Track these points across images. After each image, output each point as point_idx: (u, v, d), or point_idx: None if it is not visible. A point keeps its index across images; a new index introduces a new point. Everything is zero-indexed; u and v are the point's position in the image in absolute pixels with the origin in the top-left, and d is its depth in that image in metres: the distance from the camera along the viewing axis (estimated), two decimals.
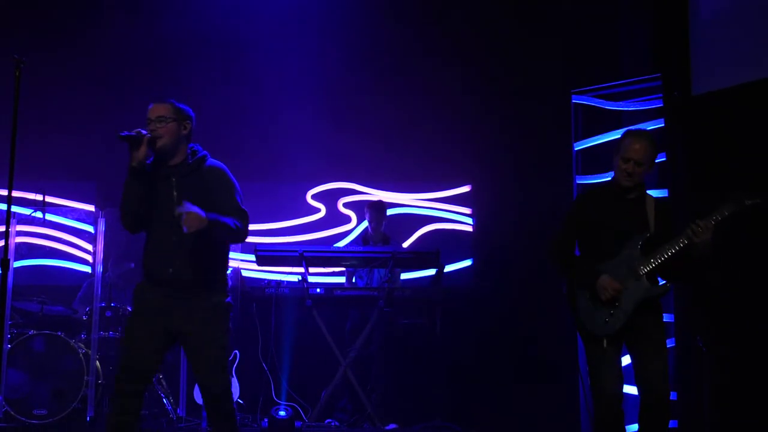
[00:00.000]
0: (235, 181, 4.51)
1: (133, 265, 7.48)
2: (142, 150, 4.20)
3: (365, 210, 7.61)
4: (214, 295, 4.37)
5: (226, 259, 4.55)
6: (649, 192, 4.66)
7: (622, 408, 4.44)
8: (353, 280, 7.47)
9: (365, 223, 7.69)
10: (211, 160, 4.50)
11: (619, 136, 4.69)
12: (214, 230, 4.13)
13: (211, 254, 4.35)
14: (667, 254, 4.32)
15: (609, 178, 4.77)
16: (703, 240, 4.21)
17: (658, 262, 4.34)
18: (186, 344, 4.33)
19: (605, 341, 4.36)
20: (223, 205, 4.32)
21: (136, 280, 7.37)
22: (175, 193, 4.24)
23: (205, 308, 4.28)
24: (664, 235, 4.38)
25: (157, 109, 4.32)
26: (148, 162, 4.27)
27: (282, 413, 6.33)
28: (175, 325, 4.24)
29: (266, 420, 6.45)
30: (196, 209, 4.01)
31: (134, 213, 4.27)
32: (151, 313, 4.26)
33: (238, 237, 4.41)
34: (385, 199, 8.16)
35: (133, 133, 4.16)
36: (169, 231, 4.17)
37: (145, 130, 4.22)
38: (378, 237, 7.49)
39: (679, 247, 4.29)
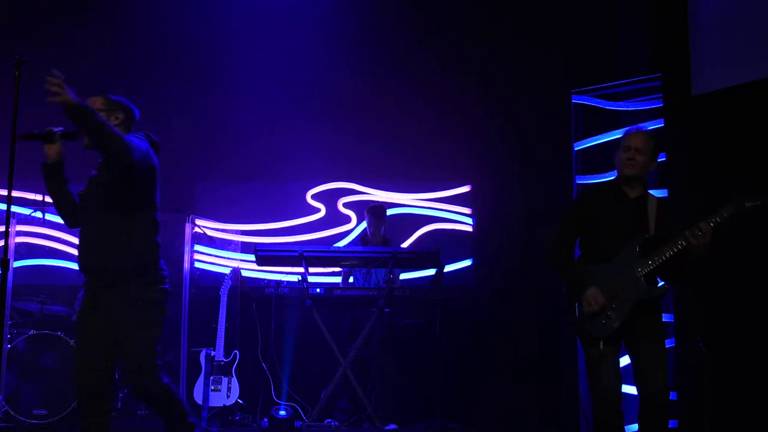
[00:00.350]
0: (142, 145, 4.46)
1: None
2: (54, 147, 4.22)
3: (365, 214, 7.62)
4: (138, 286, 4.29)
5: (150, 247, 4.46)
6: (650, 192, 4.66)
7: (621, 408, 4.44)
8: (349, 281, 7.47)
9: (365, 224, 7.68)
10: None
11: (619, 135, 4.71)
12: (78, 115, 3.97)
13: (133, 243, 4.30)
14: (666, 256, 4.32)
15: (609, 178, 4.77)
16: (702, 242, 4.21)
17: (656, 263, 4.34)
18: (116, 336, 4.25)
19: (602, 343, 4.36)
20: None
21: None
22: (94, 184, 4.26)
23: (128, 300, 4.23)
24: (665, 236, 4.38)
25: (89, 102, 4.29)
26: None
27: (282, 413, 6.33)
28: (102, 317, 4.20)
29: (266, 420, 6.45)
30: (68, 90, 3.88)
31: (65, 211, 4.28)
32: (87, 307, 4.25)
33: (109, 140, 4.11)
34: (384, 199, 8.17)
35: (36, 131, 4.14)
36: (89, 222, 4.19)
37: (59, 128, 4.20)
38: (377, 240, 7.48)
39: (677, 249, 4.29)
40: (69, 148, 4.37)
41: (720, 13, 6.26)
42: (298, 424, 6.56)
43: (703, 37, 6.27)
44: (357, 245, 7.66)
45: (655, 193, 4.89)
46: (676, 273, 4.48)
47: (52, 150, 4.23)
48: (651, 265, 4.35)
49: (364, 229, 7.71)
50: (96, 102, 4.37)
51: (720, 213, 4.23)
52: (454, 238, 8.15)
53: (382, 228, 7.50)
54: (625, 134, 4.57)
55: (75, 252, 8.00)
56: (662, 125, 6.52)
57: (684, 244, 4.26)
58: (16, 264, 7.32)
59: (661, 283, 4.51)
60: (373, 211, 7.55)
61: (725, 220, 4.23)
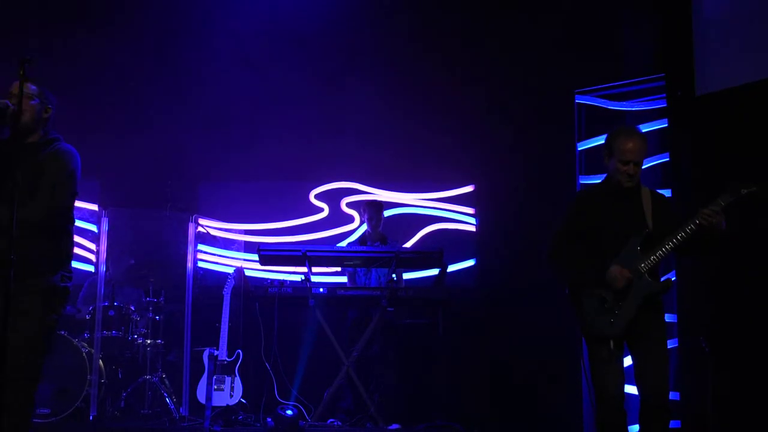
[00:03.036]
0: (75, 165, 4.30)
1: (133, 261, 7.49)
2: (4, 121, 4.13)
3: (363, 209, 7.60)
4: (40, 279, 4.12)
5: (59, 241, 4.27)
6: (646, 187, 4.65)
7: (625, 408, 4.44)
8: (354, 281, 7.47)
9: (365, 226, 7.67)
10: (63, 144, 4.36)
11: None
12: None
13: (42, 235, 4.14)
14: (667, 250, 4.32)
15: (600, 181, 4.75)
16: (716, 222, 4.21)
17: (659, 258, 4.34)
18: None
19: (612, 343, 4.35)
20: (44, 179, 4.15)
21: (136, 276, 7.48)
22: (17, 172, 3.97)
23: (28, 293, 4.02)
24: (664, 228, 4.37)
25: (24, 87, 4.10)
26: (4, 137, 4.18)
27: (289, 412, 6.33)
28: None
29: (270, 419, 6.45)
30: None
31: None
32: None
33: None
34: (387, 199, 8.18)
35: (2, 104, 4.07)
36: (3, 209, 3.93)
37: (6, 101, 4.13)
38: (376, 236, 7.49)
39: (678, 241, 4.29)
40: None
41: (724, 14, 6.26)
42: (300, 423, 6.56)
43: (706, 37, 6.27)
44: (356, 245, 7.63)
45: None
46: (699, 250, 4.46)
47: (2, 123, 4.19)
48: (654, 260, 4.35)
49: (364, 232, 7.70)
50: (29, 89, 4.27)
51: (717, 201, 4.23)
52: (457, 238, 8.16)
53: (380, 225, 7.50)
54: (615, 138, 4.47)
55: (78, 251, 8.10)
56: (665, 125, 6.52)
57: (684, 235, 4.26)
58: None
59: (664, 278, 4.51)
60: (371, 206, 7.55)
61: (723, 208, 4.23)
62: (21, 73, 3.99)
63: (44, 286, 4.14)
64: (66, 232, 4.32)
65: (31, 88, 4.29)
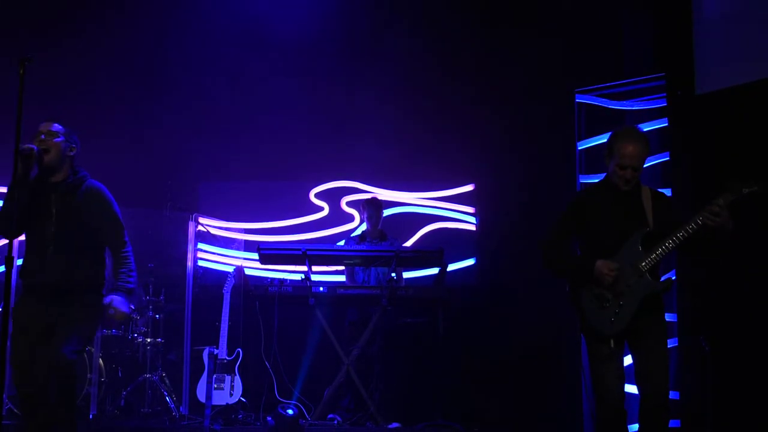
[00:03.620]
0: (113, 200, 4.82)
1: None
2: (32, 163, 4.50)
3: (362, 208, 7.60)
4: (87, 298, 4.66)
5: (100, 265, 4.81)
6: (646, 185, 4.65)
7: (624, 407, 4.44)
8: (353, 278, 7.47)
9: (364, 226, 7.67)
10: (91, 181, 4.78)
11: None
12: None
13: (85, 262, 4.68)
14: (668, 249, 4.32)
15: (600, 180, 4.75)
16: (723, 222, 4.20)
17: (659, 257, 4.34)
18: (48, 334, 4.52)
19: (613, 341, 4.35)
20: (102, 226, 4.75)
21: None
22: (53, 210, 4.60)
23: (77, 309, 4.58)
24: (664, 226, 4.37)
25: (48, 125, 4.64)
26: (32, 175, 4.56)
27: (290, 411, 6.33)
28: (50, 321, 4.50)
29: (270, 417, 6.45)
30: (122, 308, 4.64)
31: (16, 223, 4.47)
32: (29, 322, 4.52)
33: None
34: (388, 198, 8.18)
35: (27, 151, 4.43)
36: (46, 243, 4.56)
37: (33, 144, 4.53)
38: (375, 234, 7.49)
39: (680, 240, 4.28)
40: None
41: (724, 13, 6.26)
42: (301, 422, 6.56)
43: (707, 36, 6.27)
44: (355, 243, 7.63)
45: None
46: (705, 249, 4.46)
47: (31, 165, 4.53)
48: (654, 259, 4.34)
49: (363, 231, 7.70)
50: (54, 127, 4.68)
51: (718, 200, 4.23)
52: (458, 237, 8.16)
53: (380, 222, 7.50)
54: (616, 141, 4.46)
55: None
56: (665, 124, 6.52)
57: (685, 234, 4.26)
58: (20, 262, 7.31)
59: (664, 278, 4.51)
60: (370, 203, 7.55)
61: (726, 207, 4.22)
62: (21, 72, 4.00)
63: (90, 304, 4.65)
64: (102, 262, 4.85)
65: (56, 127, 4.68)
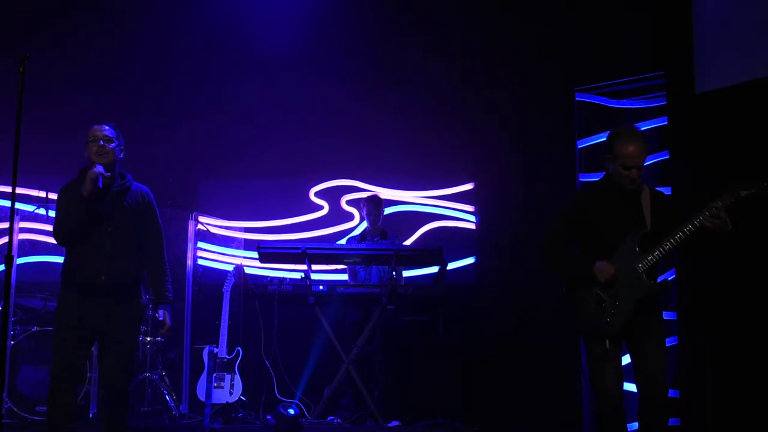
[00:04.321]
0: (157, 206, 5.06)
1: None
2: (98, 186, 4.65)
3: (362, 205, 7.60)
4: (137, 300, 4.90)
5: (142, 266, 5.01)
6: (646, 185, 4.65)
7: (623, 406, 4.44)
8: (355, 276, 7.47)
9: (365, 224, 7.66)
10: (136, 183, 4.97)
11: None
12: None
13: (136, 263, 4.88)
14: (665, 250, 4.32)
15: (600, 178, 4.75)
16: (721, 224, 4.20)
17: (656, 258, 4.34)
18: (103, 343, 4.75)
19: (608, 341, 4.36)
20: (150, 230, 4.96)
21: None
22: (109, 211, 4.74)
23: (129, 311, 4.80)
24: (663, 227, 4.37)
25: (103, 130, 4.80)
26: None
27: (291, 411, 6.33)
28: (100, 327, 4.68)
29: (270, 416, 6.44)
30: (169, 321, 5.02)
31: (73, 235, 4.70)
32: (79, 319, 4.66)
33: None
34: (387, 197, 8.16)
35: (98, 181, 4.63)
36: (103, 243, 4.69)
37: (95, 159, 4.73)
38: (376, 232, 7.49)
39: (677, 242, 4.28)
40: None
41: (724, 11, 6.25)
42: (301, 421, 6.56)
43: (707, 34, 6.26)
44: (356, 242, 7.63)
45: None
46: (700, 249, 4.46)
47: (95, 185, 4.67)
48: (651, 260, 4.35)
49: (365, 228, 7.70)
50: (110, 131, 4.84)
51: (717, 202, 4.23)
52: (457, 236, 8.15)
53: (380, 220, 7.50)
54: (617, 141, 4.46)
55: None
56: (665, 123, 6.52)
57: (683, 236, 4.26)
58: (20, 261, 7.33)
59: (661, 279, 4.51)
60: (370, 201, 7.55)
61: (725, 209, 4.22)
62: (21, 70, 4.00)
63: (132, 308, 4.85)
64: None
65: (110, 132, 4.85)
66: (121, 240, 4.74)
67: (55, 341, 4.71)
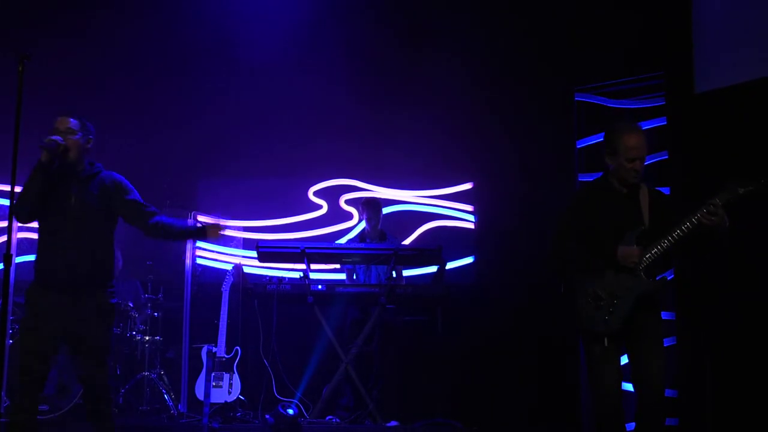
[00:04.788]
0: (130, 185, 4.93)
1: (120, 264, 7.52)
2: (56, 156, 4.59)
3: (361, 208, 7.60)
4: (102, 293, 4.72)
5: (112, 258, 4.89)
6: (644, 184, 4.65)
7: (622, 406, 4.44)
8: (353, 277, 7.47)
9: (363, 223, 7.66)
10: (106, 171, 4.88)
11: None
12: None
13: (100, 252, 4.75)
14: (663, 247, 4.32)
15: (598, 177, 4.75)
16: (718, 222, 4.20)
17: (654, 256, 4.34)
18: (72, 342, 4.66)
19: (606, 340, 4.36)
20: (128, 208, 4.86)
21: (127, 275, 7.49)
22: (73, 199, 4.67)
23: (94, 305, 4.66)
24: (661, 225, 4.37)
25: (66, 122, 4.70)
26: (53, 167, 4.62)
27: (290, 411, 6.33)
28: (64, 326, 4.57)
29: (269, 416, 6.44)
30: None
31: (31, 206, 4.60)
32: (40, 320, 4.58)
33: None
34: (386, 196, 8.17)
35: (53, 144, 4.54)
36: (63, 232, 4.61)
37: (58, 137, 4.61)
38: (375, 234, 7.48)
39: (675, 240, 4.28)
40: None
41: (723, 12, 6.26)
42: (299, 420, 6.56)
43: (706, 35, 6.27)
44: (356, 243, 7.63)
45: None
46: (699, 249, 4.46)
47: (52, 156, 4.61)
48: (649, 258, 4.35)
49: (363, 229, 7.70)
50: (71, 123, 4.73)
51: (715, 200, 4.23)
52: (456, 235, 8.15)
53: (380, 222, 7.50)
54: (617, 136, 4.46)
55: None
56: (664, 123, 6.52)
57: (680, 234, 4.26)
58: (18, 259, 7.32)
59: (659, 277, 4.51)
60: (369, 204, 7.55)
61: (722, 207, 4.22)
62: (20, 69, 4.00)
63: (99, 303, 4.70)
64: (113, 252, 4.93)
65: (73, 123, 4.75)
66: (82, 229, 4.64)
67: (18, 344, 4.70)
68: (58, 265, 4.58)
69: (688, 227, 4.27)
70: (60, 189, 4.66)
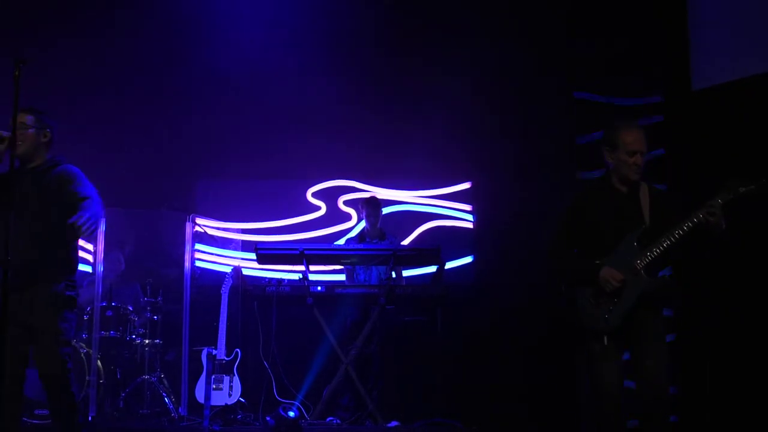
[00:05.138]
0: (83, 176, 4.79)
1: (123, 266, 7.52)
2: (3, 148, 4.47)
3: (360, 207, 7.60)
4: (49, 285, 4.62)
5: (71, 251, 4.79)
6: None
7: (623, 404, 4.44)
8: (354, 277, 7.47)
9: (363, 223, 7.66)
10: (66, 165, 4.79)
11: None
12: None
13: (58, 247, 4.66)
14: (663, 246, 4.32)
15: (599, 176, 4.75)
16: (716, 222, 4.21)
17: (654, 254, 4.34)
18: (31, 335, 4.57)
19: (606, 338, 4.36)
20: (70, 195, 4.65)
21: (127, 278, 7.50)
22: (28, 193, 4.60)
23: (44, 297, 4.57)
24: (662, 224, 4.37)
25: (20, 117, 4.53)
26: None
27: (291, 414, 6.33)
28: (21, 315, 4.48)
29: (270, 417, 6.44)
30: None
31: None
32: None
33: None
34: (385, 196, 8.17)
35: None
36: (18, 225, 4.37)
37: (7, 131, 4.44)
38: (375, 233, 7.48)
39: (675, 238, 4.28)
40: None
41: (720, 9, 6.27)
42: (300, 422, 6.55)
43: (703, 32, 6.28)
44: (355, 243, 7.63)
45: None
46: (692, 249, 4.47)
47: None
48: (649, 256, 4.34)
49: (363, 228, 7.70)
50: (24, 118, 4.67)
51: (716, 200, 4.23)
52: (455, 235, 8.15)
53: (379, 221, 7.50)
54: (617, 132, 4.48)
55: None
56: (662, 120, 6.52)
57: (681, 234, 4.26)
58: None
59: (660, 274, 4.51)
60: (369, 203, 7.55)
61: (720, 206, 4.22)
62: (16, 74, 4.00)
63: (50, 293, 4.59)
64: (74, 245, 4.80)
65: (26, 118, 4.70)
66: (35, 222, 4.57)
67: None
68: (11, 259, 4.40)
69: (689, 226, 4.27)
70: (17, 184, 4.54)
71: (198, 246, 7.69)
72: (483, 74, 7.95)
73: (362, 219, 7.60)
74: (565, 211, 4.68)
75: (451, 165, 8.20)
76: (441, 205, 8.31)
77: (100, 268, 6.89)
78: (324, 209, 8.38)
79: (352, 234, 8.10)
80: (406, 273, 7.72)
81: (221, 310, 6.99)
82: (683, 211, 4.32)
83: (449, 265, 7.49)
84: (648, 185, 4.56)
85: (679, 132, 6.35)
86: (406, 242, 8.07)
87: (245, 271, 7.67)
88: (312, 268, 7.09)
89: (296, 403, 6.69)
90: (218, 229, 8.12)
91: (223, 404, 6.75)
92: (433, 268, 7.35)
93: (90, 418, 6.52)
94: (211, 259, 8.05)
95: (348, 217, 8.34)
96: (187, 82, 8.10)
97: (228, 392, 6.78)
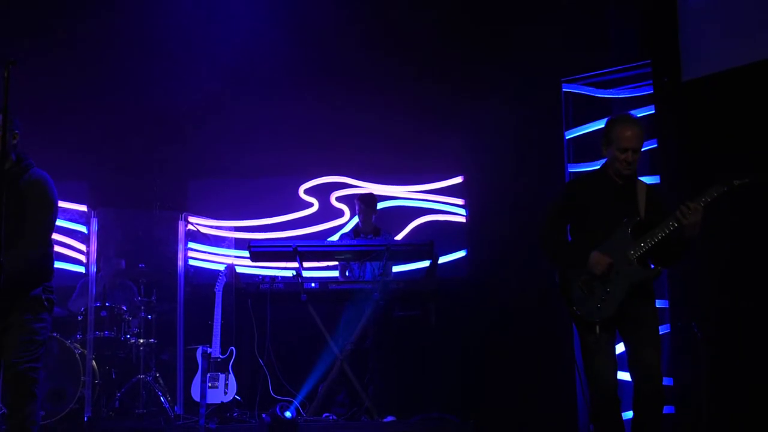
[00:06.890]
0: (53, 195, 4.60)
1: (123, 264, 7.49)
2: None
3: (355, 203, 7.60)
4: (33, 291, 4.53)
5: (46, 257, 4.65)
6: (641, 179, 4.67)
7: (618, 395, 4.46)
8: (346, 274, 7.47)
9: (357, 219, 7.67)
10: (36, 170, 4.61)
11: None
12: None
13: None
14: (658, 238, 4.33)
15: (597, 167, 4.77)
16: (692, 221, 4.22)
17: (648, 245, 4.35)
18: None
19: (598, 327, 4.37)
20: (27, 218, 4.47)
21: (121, 278, 7.48)
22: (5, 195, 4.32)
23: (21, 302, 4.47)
24: (655, 219, 4.39)
25: None
26: None
27: (288, 414, 6.34)
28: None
29: (266, 415, 6.44)
30: None
31: None
32: None
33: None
34: (377, 192, 8.16)
35: None
36: None
37: None
38: (369, 229, 7.48)
39: (669, 230, 4.30)
40: None
41: None
42: (296, 419, 6.56)
43: (692, 22, 6.27)
44: (349, 239, 7.64)
45: (647, 180, 4.89)
46: (668, 255, 4.48)
47: None
48: (643, 247, 4.36)
49: (356, 224, 7.70)
50: None
51: (709, 192, 4.24)
52: (448, 230, 8.16)
53: (373, 217, 7.50)
54: (614, 126, 4.50)
55: (68, 252, 8.10)
56: (652, 112, 6.53)
57: (675, 224, 4.27)
58: None
59: (654, 266, 4.52)
60: (363, 199, 7.55)
61: (715, 199, 4.24)
62: (6, 75, 3.98)
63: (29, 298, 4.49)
64: (47, 255, 4.65)
65: None
66: (11, 229, 4.22)
67: None
68: None
69: (669, 228, 4.28)
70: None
71: (191, 245, 7.67)
72: (473, 68, 7.95)
73: (356, 214, 7.61)
74: (559, 196, 4.70)
75: (443, 159, 8.21)
76: (433, 200, 8.32)
77: (93, 268, 6.88)
78: (316, 206, 8.38)
79: (346, 229, 8.10)
80: (399, 268, 7.73)
81: (215, 309, 6.99)
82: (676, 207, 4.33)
83: (442, 259, 7.49)
84: (646, 184, 4.58)
85: (670, 123, 6.35)
86: (399, 237, 8.08)
87: (239, 269, 7.66)
88: (305, 264, 7.09)
89: (295, 402, 6.70)
90: (211, 227, 8.11)
91: (219, 402, 6.75)
92: (426, 263, 7.35)
93: (86, 419, 6.53)
94: (204, 258, 8.04)
95: (340, 214, 8.34)
96: (180, 80, 8.08)
97: (223, 390, 6.78)
